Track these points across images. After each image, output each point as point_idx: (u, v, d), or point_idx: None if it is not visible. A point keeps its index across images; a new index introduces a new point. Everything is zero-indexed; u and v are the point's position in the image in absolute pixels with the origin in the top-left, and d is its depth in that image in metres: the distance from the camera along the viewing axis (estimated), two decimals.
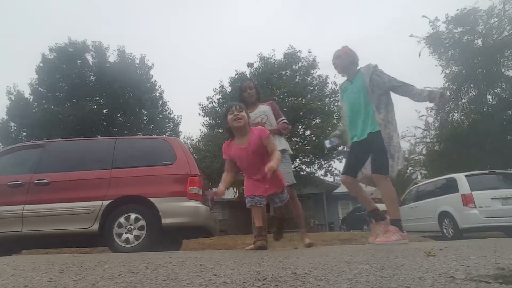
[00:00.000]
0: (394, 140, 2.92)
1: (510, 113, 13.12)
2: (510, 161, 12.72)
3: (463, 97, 14.21)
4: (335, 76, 18.79)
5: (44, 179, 4.05)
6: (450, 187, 7.89)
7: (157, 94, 17.81)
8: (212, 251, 2.63)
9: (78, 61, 16.18)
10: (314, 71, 15.61)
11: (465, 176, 7.64)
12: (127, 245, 3.76)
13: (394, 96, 3.06)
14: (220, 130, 14.00)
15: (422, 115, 15.96)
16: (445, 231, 7.82)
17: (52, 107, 15.24)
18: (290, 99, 14.38)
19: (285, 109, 14.31)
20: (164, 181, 4.01)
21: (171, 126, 18.24)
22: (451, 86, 14.12)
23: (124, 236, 3.81)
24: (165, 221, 3.80)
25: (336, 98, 14.94)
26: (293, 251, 2.43)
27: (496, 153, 12.40)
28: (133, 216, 3.86)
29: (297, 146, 14.23)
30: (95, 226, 3.83)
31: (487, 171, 8.51)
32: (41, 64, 15.81)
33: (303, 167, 15.45)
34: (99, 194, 3.92)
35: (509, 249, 1.77)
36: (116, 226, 3.83)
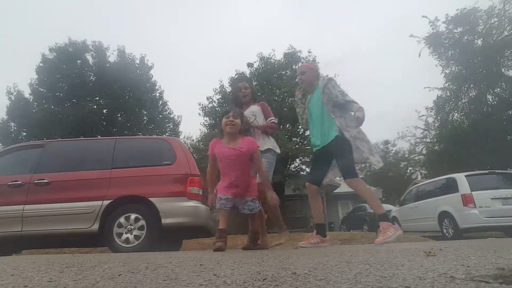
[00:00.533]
0: (359, 137, 3.05)
1: (510, 113, 13.12)
2: (510, 161, 12.73)
3: (463, 97, 14.21)
4: (335, 76, 18.76)
5: (44, 179, 4.05)
6: (450, 187, 7.90)
7: (157, 94, 17.83)
8: (212, 251, 2.63)
9: (78, 61, 16.19)
10: None
11: (465, 176, 7.64)
12: (127, 245, 3.75)
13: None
14: None
15: (422, 115, 15.99)
16: (445, 231, 7.82)
17: (52, 107, 15.25)
18: (290, 99, 14.38)
19: (285, 109, 14.32)
20: (164, 181, 4.01)
21: (171, 126, 18.27)
22: (451, 86, 14.12)
23: (124, 236, 3.81)
24: (165, 221, 3.79)
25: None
26: (293, 251, 2.43)
27: (496, 153, 12.40)
28: (133, 216, 3.85)
29: (297, 146, 14.23)
30: (95, 226, 3.82)
31: (487, 171, 8.51)
32: (41, 64, 15.82)
33: (303, 167, 15.46)
34: (99, 194, 3.92)
35: (509, 249, 1.77)
36: (116, 226, 3.82)
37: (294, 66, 15.71)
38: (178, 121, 18.51)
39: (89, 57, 16.63)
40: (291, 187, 13.90)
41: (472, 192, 7.21)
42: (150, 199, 3.86)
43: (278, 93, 14.54)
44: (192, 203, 3.92)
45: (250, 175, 2.82)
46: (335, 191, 20.51)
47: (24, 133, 15.27)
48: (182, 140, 8.67)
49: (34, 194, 3.98)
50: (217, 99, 15.67)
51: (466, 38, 13.35)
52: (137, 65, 17.23)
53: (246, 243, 3.09)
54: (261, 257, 1.75)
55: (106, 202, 3.88)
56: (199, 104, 15.82)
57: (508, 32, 12.76)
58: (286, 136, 14.00)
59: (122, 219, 3.84)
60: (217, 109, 15.17)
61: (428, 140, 17.44)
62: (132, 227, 3.83)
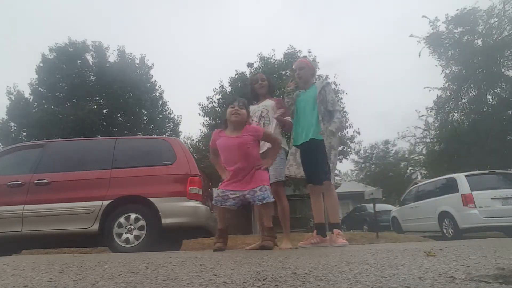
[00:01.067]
0: (333, 152, 3.09)
1: (510, 113, 13.12)
2: (510, 161, 12.73)
3: (463, 97, 14.21)
4: (335, 76, 18.81)
5: (44, 179, 4.05)
6: (450, 187, 7.90)
7: (157, 94, 17.82)
8: (212, 251, 2.63)
9: (78, 61, 16.19)
10: None
11: (465, 176, 7.64)
12: (127, 245, 3.76)
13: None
14: None
15: (422, 115, 16.01)
16: (445, 231, 7.82)
17: (52, 107, 15.25)
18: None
19: None
20: (164, 181, 4.01)
21: (171, 126, 18.27)
22: (451, 86, 14.12)
23: (124, 236, 3.81)
24: (165, 221, 3.79)
25: (336, 98, 14.95)
26: (293, 251, 2.43)
27: (496, 153, 12.40)
28: (133, 216, 3.85)
29: None
30: (95, 226, 3.83)
31: (487, 171, 8.51)
32: (41, 64, 15.82)
33: None
34: (99, 194, 3.92)
35: (509, 249, 1.77)
36: (116, 226, 3.82)
37: (294, 66, 15.70)
38: (178, 121, 18.52)
39: (89, 57, 16.63)
40: (291, 187, 13.90)
41: (472, 192, 7.21)
42: (150, 199, 3.86)
43: (278, 93, 14.53)
44: (192, 203, 3.92)
45: (253, 167, 2.67)
46: (335, 191, 20.49)
47: (24, 133, 15.25)
48: (182, 140, 8.67)
49: (34, 194, 3.98)
50: (217, 99, 15.65)
51: (466, 38, 13.34)
52: (137, 65, 17.23)
53: (261, 242, 2.73)
54: (261, 257, 1.75)
55: (106, 202, 3.88)
56: (199, 104, 15.81)
57: (508, 32, 12.76)
58: (286, 136, 13.99)
59: (122, 219, 3.84)
60: (217, 109, 15.16)
61: (428, 140, 17.45)
62: (132, 227, 3.83)
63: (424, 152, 19.53)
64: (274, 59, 16.01)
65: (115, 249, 3.75)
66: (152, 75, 17.74)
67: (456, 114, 14.75)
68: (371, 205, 9.97)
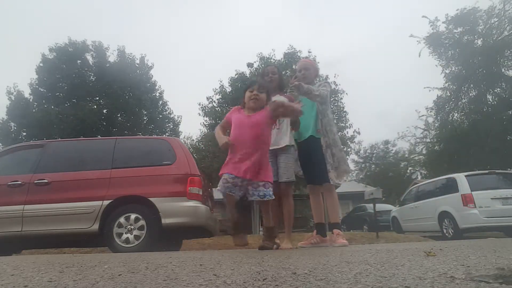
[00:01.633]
0: (332, 146, 3.08)
1: (510, 113, 13.13)
2: (510, 161, 12.73)
3: (463, 97, 14.22)
4: (335, 76, 18.81)
5: (44, 179, 4.05)
6: (450, 187, 7.90)
7: (157, 94, 17.84)
8: (212, 251, 2.62)
9: (78, 61, 16.21)
10: None
11: (465, 176, 7.64)
12: (127, 245, 3.76)
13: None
14: None
15: (422, 115, 15.99)
16: (445, 231, 7.82)
17: (52, 107, 15.26)
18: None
19: None
20: (164, 181, 4.01)
21: (171, 126, 18.28)
22: (451, 86, 14.12)
23: (124, 236, 3.81)
24: (165, 221, 3.79)
25: (336, 98, 14.94)
26: (293, 251, 2.43)
27: (496, 153, 12.40)
28: (133, 216, 3.85)
29: None
30: (95, 226, 3.83)
31: (487, 171, 8.52)
32: (41, 64, 15.84)
33: None
34: (99, 194, 3.92)
35: (509, 249, 1.77)
36: (116, 226, 3.82)
37: (294, 66, 15.71)
38: (178, 121, 18.54)
39: (89, 57, 16.65)
40: (291, 186, 13.91)
41: (472, 192, 7.21)
42: (150, 199, 3.86)
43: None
44: (192, 203, 3.92)
45: (264, 157, 2.52)
46: (335, 191, 20.48)
47: (24, 133, 15.27)
48: (182, 140, 8.68)
49: (34, 194, 3.98)
50: (217, 99, 15.68)
51: (466, 38, 13.35)
52: (137, 65, 17.25)
53: (262, 242, 2.62)
54: (261, 257, 1.75)
55: (106, 202, 3.88)
56: (199, 104, 15.84)
57: (508, 32, 12.76)
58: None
59: (122, 219, 3.84)
60: (217, 109, 15.18)
61: (428, 140, 17.44)
62: (132, 227, 3.83)
63: (424, 152, 19.52)
64: (274, 59, 16.03)
65: (115, 249, 3.75)
66: (152, 75, 17.77)
67: (456, 114, 14.76)
68: (371, 205, 9.98)
